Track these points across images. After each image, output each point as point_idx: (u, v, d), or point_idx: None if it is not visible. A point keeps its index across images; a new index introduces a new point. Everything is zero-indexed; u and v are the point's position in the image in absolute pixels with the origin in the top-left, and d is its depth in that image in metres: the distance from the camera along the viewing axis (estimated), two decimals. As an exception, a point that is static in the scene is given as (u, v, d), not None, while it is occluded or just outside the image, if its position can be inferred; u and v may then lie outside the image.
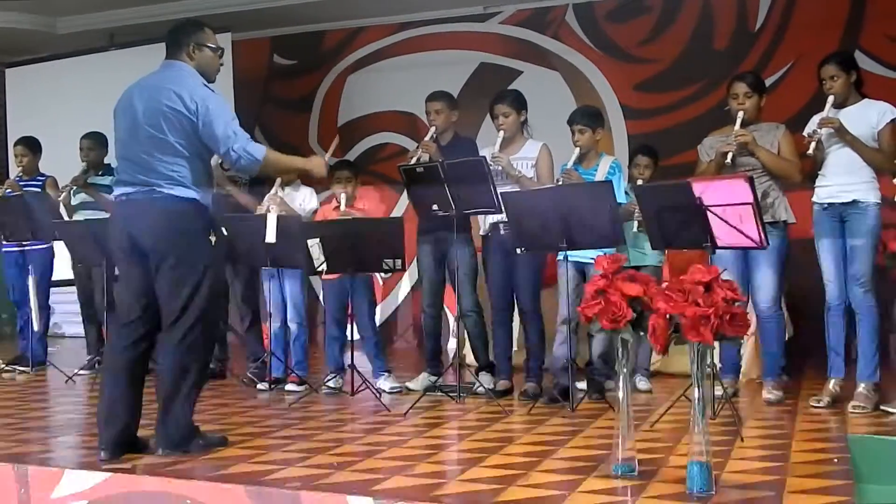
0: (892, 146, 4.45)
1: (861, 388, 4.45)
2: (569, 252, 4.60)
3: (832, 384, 4.58)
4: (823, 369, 4.67)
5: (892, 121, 4.49)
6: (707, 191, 4.02)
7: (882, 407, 4.35)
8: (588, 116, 5.08)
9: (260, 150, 3.87)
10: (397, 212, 7.17)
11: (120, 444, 3.70)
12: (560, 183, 4.87)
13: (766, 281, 4.70)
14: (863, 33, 6.43)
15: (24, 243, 6.40)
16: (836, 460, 3.45)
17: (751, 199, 3.94)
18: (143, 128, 3.73)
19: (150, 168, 3.72)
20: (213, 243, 3.93)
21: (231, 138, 3.77)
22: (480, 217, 5.23)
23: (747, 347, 5.25)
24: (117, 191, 3.85)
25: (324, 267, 5.11)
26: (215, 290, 3.89)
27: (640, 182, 5.14)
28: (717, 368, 4.49)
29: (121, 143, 3.85)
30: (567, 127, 5.08)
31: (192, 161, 3.77)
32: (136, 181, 3.74)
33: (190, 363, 3.75)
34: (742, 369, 5.10)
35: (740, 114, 4.70)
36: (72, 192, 6.44)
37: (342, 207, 5.44)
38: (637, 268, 4.93)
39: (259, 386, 5.58)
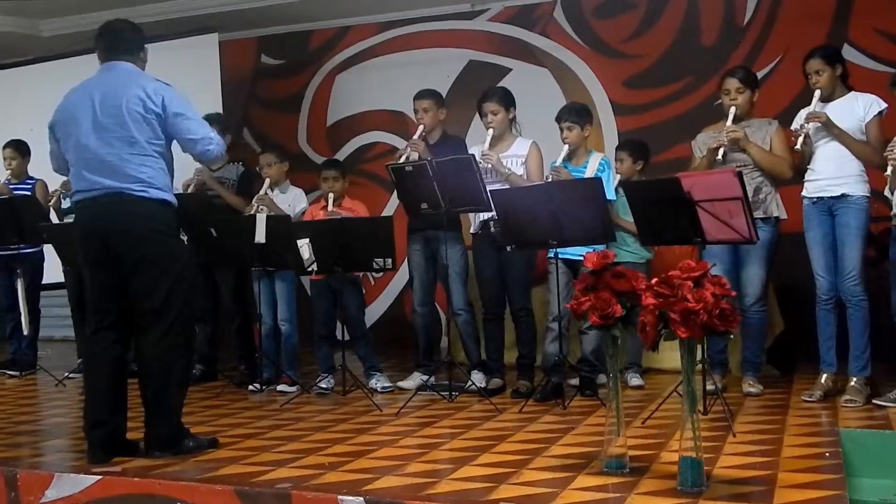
0: (879, 139, 4.46)
1: (853, 382, 4.47)
2: (559, 249, 4.61)
3: (824, 378, 4.59)
4: (815, 363, 4.68)
5: (879, 113, 4.50)
6: (696, 186, 4.03)
7: (874, 401, 4.36)
8: (576, 113, 5.09)
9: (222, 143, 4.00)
10: (387, 211, 7.16)
11: (109, 448, 3.71)
12: (549, 180, 4.88)
13: (754, 276, 4.73)
14: (850, 26, 6.44)
15: (11, 247, 6.37)
16: (827, 454, 3.46)
17: (739, 193, 3.95)
18: (109, 129, 3.71)
19: (117, 171, 3.70)
20: (184, 243, 3.92)
21: (204, 126, 3.85)
22: (471, 215, 5.24)
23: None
24: (78, 196, 3.82)
25: (314, 267, 5.11)
26: (190, 291, 3.88)
27: (617, 177, 5.14)
28: (708, 364, 4.51)
29: (78, 148, 3.77)
30: (557, 124, 5.10)
31: (158, 161, 3.79)
32: (101, 186, 3.72)
33: (171, 363, 3.75)
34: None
35: (732, 109, 4.73)
36: (62, 196, 6.42)
37: (329, 207, 5.45)
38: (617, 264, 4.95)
39: (250, 387, 5.58)
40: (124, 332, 3.78)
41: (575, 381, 5.01)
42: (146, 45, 4.00)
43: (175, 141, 3.87)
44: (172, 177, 3.94)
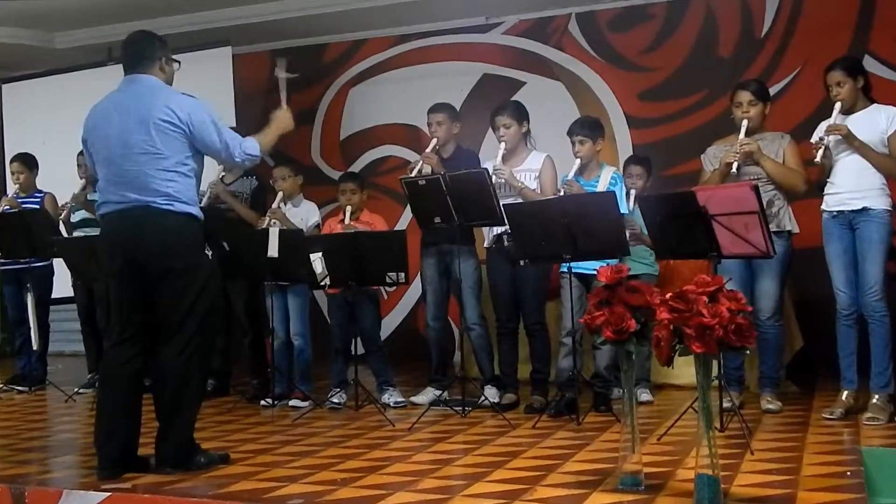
0: (902, 151, 4.46)
1: (875, 399, 4.44)
2: (572, 263, 4.62)
3: (845, 395, 4.56)
4: (836, 380, 4.67)
5: (902, 125, 4.49)
6: (712, 200, 4.03)
7: (897, 418, 4.35)
8: (588, 127, 5.11)
9: (255, 146, 4.01)
10: (400, 224, 7.18)
11: (120, 463, 3.73)
12: (562, 194, 4.89)
13: (768, 290, 4.72)
14: (872, 37, 6.42)
15: (21, 261, 6.43)
16: (849, 473, 3.44)
17: (756, 207, 3.95)
18: (134, 143, 3.74)
19: (142, 185, 3.73)
20: (209, 256, 3.95)
21: (229, 145, 3.86)
22: (484, 229, 5.26)
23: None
24: (103, 209, 3.87)
25: (326, 281, 5.13)
26: (213, 303, 3.91)
27: (632, 192, 5.16)
28: (725, 380, 4.49)
29: (105, 162, 3.83)
30: (569, 138, 5.12)
31: (185, 176, 3.81)
32: (128, 199, 3.76)
33: (189, 376, 3.78)
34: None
35: (744, 122, 4.73)
36: (71, 209, 6.48)
37: (347, 220, 5.48)
38: (635, 277, 4.96)
39: (262, 402, 5.60)
40: (144, 345, 3.81)
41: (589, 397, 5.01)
42: (173, 57, 4.00)
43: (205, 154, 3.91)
44: (198, 191, 3.98)
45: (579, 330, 4.64)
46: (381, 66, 7.93)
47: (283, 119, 4.30)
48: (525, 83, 7.38)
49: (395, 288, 5.58)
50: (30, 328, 6.42)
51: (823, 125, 4.60)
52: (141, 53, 3.90)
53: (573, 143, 5.06)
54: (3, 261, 6.59)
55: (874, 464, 3.62)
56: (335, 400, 5.41)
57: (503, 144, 5.13)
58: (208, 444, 4.09)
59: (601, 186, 5.00)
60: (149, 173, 3.73)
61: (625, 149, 6.99)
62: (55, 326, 6.94)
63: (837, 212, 4.58)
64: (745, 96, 4.79)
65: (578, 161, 5.02)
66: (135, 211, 3.76)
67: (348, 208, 5.53)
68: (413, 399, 5.42)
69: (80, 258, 5.94)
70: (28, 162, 6.79)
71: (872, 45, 6.38)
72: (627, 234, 4.94)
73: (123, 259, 3.78)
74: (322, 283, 5.18)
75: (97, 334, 6.39)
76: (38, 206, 6.56)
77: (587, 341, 4.95)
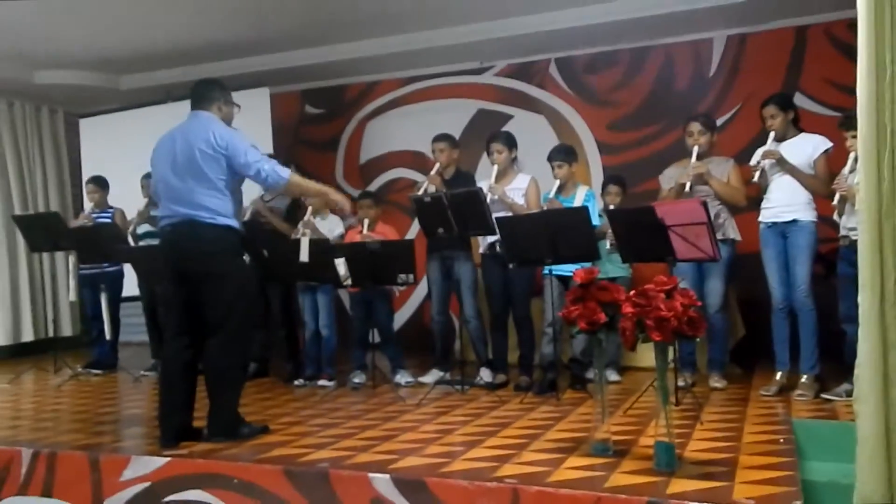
0: (826, 172, 4.48)
1: (804, 379, 4.46)
2: (552, 266, 4.64)
3: (779, 376, 4.58)
4: (772, 363, 4.67)
5: (826, 151, 4.52)
6: (668, 213, 4.05)
7: (822, 395, 4.35)
8: (564, 153, 5.14)
9: (286, 171, 3.93)
10: (410, 234, 7.20)
11: (177, 434, 3.75)
12: (545, 209, 4.91)
13: (715, 288, 4.75)
14: (802, 77, 6.43)
15: (96, 266, 6.45)
16: (782, 440, 3.46)
17: (705, 219, 3.97)
18: (185, 166, 3.77)
19: (190, 201, 3.75)
20: (246, 263, 3.95)
21: (258, 161, 3.82)
22: (480, 237, 5.26)
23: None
24: (163, 222, 3.90)
25: (349, 281, 5.15)
26: (249, 304, 3.91)
27: (611, 207, 5.18)
28: (679, 363, 4.50)
29: (163, 182, 3.86)
30: (549, 163, 5.13)
31: (225, 193, 3.81)
32: (178, 214, 3.79)
33: (228, 367, 3.80)
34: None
35: (695, 149, 4.75)
36: (137, 223, 6.51)
37: (364, 230, 5.51)
38: (613, 279, 4.98)
39: (295, 382, 5.61)
40: (194, 339, 3.82)
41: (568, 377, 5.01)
42: (228, 97, 4.01)
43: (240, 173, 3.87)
44: (240, 208, 3.97)
45: (559, 322, 4.64)
46: (392, 103, 7.94)
47: (336, 194, 4.11)
48: (513, 116, 7.38)
49: (405, 287, 5.58)
50: (104, 322, 6.46)
51: (760, 151, 4.62)
52: (202, 95, 3.95)
53: (553, 167, 5.09)
54: (81, 266, 6.63)
55: (803, 433, 3.66)
56: (356, 380, 5.42)
57: (496, 166, 5.14)
58: (251, 417, 4.10)
59: (577, 202, 5.02)
60: (195, 190, 3.75)
61: (596, 171, 6.99)
62: (125, 320, 6.93)
63: (772, 223, 4.60)
64: (695, 127, 4.82)
65: (558, 182, 5.05)
66: (183, 224, 3.78)
67: (366, 221, 5.55)
68: (421, 379, 5.42)
69: (143, 264, 5.96)
70: (101, 183, 6.82)
71: (802, 84, 6.39)
72: (608, 244, 4.97)
73: (174, 265, 3.80)
74: (345, 284, 5.20)
75: (158, 327, 6.40)
76: (109, 220, 6.59)
77: (565, 331, 4.96)
